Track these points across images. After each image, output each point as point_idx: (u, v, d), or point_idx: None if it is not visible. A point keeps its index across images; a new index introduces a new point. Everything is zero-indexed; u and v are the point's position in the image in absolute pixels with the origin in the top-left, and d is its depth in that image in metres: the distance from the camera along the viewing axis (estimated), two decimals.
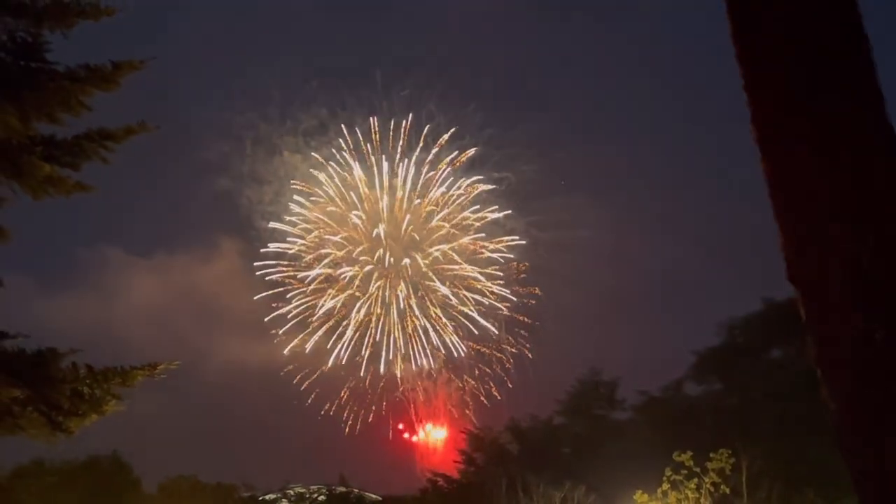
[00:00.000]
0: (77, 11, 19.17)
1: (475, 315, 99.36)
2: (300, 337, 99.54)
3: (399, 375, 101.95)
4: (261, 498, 78.21)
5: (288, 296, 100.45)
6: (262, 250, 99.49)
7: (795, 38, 3.98)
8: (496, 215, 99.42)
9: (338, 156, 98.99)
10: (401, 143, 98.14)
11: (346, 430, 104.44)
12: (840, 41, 3.99)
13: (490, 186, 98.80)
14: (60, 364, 19.30)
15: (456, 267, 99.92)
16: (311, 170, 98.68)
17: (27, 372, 18.83)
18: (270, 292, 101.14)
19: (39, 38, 19.16)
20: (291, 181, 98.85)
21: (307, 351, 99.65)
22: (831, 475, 42.47)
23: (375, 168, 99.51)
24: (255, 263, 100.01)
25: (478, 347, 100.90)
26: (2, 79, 17.84)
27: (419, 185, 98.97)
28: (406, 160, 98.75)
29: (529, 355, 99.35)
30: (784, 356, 58.90)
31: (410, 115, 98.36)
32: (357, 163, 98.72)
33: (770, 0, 4.04)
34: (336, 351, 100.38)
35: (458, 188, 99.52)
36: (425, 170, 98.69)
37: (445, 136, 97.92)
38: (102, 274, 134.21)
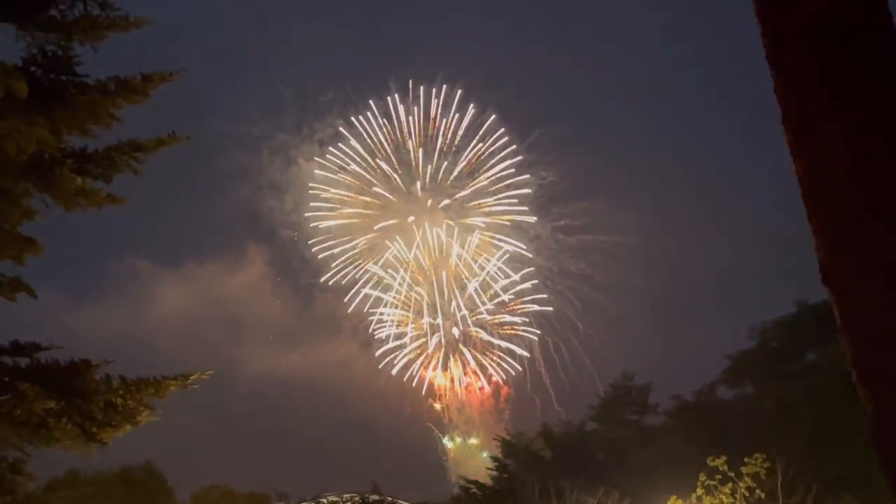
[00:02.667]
0: (107, 24, 19.27)
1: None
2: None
3: (434, 383, 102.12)
4: None
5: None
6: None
7: (826, 37, 3.94)
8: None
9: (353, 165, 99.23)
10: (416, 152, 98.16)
11: (381, 436, 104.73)
12: (873, 40, 3.94)
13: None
14: (94, 375, 19.41)
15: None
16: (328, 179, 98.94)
17: (61, 383, 18.94)
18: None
19: (69, 51, 19.28)
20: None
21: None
22: (868, 479, 42.13)
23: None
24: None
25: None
26: (33, 92, 17.95)
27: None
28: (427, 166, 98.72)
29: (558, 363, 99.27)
30: (819, 359, 58.50)
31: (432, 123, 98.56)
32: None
33: None
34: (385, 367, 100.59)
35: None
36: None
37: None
38: (132, 285, 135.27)
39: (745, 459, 40.40)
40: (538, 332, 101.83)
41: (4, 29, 19.00)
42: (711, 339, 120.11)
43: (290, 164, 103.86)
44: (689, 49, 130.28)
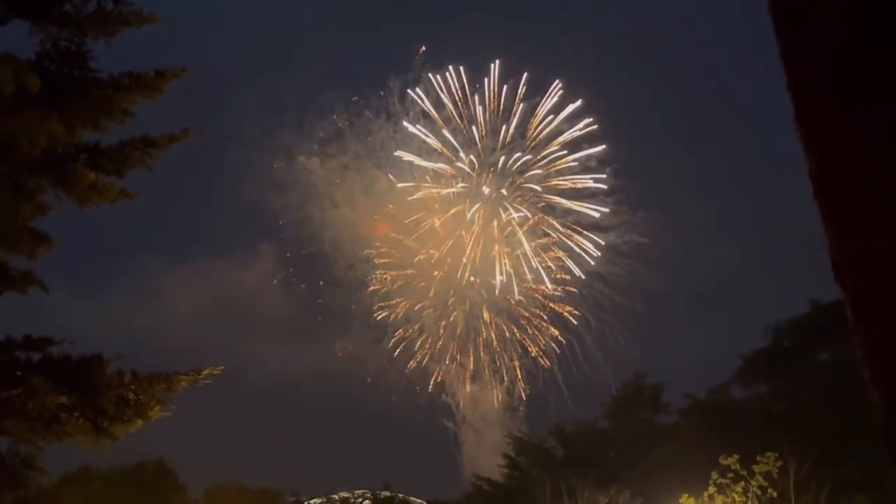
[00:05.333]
0: (120, 20, 19.28)
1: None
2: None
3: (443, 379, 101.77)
4: (305, 503, 78.45)
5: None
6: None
7: (841, 34, 3.91)
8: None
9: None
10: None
11: (393, 432, 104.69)
12: (888, 36, 3.91)
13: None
14: (106, 370, 19.40)
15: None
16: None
17: (73, 378, 18.95)
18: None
19: (82, 46, 19.29)
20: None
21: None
22: (880, 479, 42.02)
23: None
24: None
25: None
26: (46, 87, 17.96)
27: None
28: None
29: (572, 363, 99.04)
30: (832, 358, 58.29)
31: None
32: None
33: None
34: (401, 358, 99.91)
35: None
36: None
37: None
38: (143, 281, 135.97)
39: (758, 458, 40.35)
40: (556, 332, 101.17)
41: (18, 24, 19.06)
42: (724, 338, 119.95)
43: (294, 161, 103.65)
44: (700, 50, 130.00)
